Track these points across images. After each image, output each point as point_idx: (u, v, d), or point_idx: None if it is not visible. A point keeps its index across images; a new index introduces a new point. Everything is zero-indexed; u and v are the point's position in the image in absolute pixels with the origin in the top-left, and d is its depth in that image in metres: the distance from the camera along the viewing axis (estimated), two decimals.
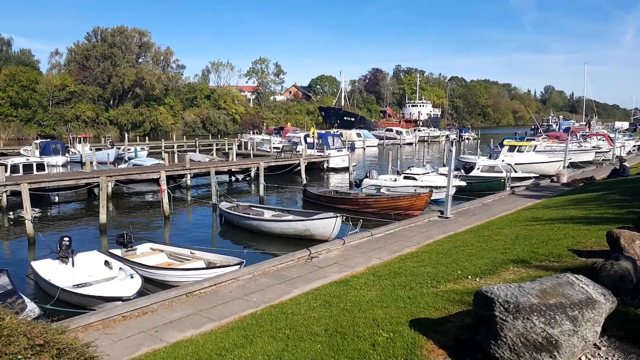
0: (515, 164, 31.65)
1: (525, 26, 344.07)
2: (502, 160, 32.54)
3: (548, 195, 20.86)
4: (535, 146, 37.93)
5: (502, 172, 28.23)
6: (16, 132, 72.42)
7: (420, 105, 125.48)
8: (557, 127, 79.36)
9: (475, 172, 29.46)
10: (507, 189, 24.32)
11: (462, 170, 29.75)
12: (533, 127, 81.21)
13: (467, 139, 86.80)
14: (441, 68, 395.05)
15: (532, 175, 29.03)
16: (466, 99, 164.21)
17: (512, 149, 36.14)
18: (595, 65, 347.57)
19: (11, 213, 22.57)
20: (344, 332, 5.97)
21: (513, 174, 27.48)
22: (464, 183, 25.47)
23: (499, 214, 16.99)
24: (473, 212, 17.72)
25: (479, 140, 62.94)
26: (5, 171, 24.34)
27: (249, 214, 19.32)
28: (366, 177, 26.65)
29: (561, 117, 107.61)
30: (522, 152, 35.67)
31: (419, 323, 5.81)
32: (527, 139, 44.34)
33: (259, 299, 9.13)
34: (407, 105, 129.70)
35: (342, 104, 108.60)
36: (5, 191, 22.56)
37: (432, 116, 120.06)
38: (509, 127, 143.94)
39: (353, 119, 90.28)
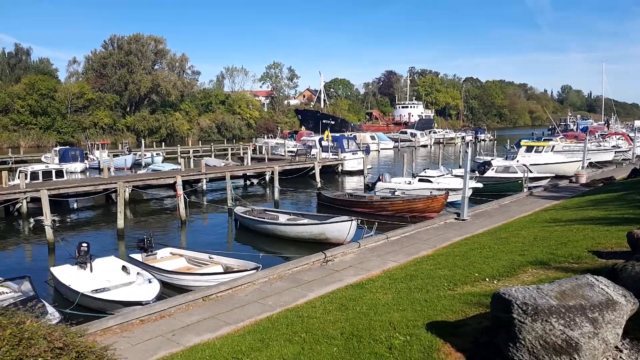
0: (533, 164, 31.23)
1: (541, 26, 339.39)
2: (517, 161, 32.15)
3: (567, 196, 20.57)
4: (554, 146, 37.42)
5: (517, 172, 27.90)
6: (36, 139, 73.69)
7: (410, 107, 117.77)
8: (575, 126, 78.23)
9: (490, 173, 29.14)
10: (525, 190, 24.03)
11: (477, 172, 29.41)
12: (550, 127, 80.00)
13: (483, 140, 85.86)
14: (456, 69, 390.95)
15: (547, 175, 28.64)
16: (482, 100, 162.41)
17: (529, 149, 35.64)
18: (613, 64, 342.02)
19: (31, 219, 22.97)
20: (360, 335, 5.95)
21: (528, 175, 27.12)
22: (480, 185, 25.14)
23: (517, 215, 16.80)
24: (490, 214, 17.55)
25: (495, 142, 62.34)
26: (25, 178, 24.76)
27: (264, 218, 19.34)
28: (379, 180, 26.51)
29: (579, 116, 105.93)
30: (540, 152, 35.17)
31: (436, 326, 5.77)
32: (545, 139, 43.79)
33: (275, 302, 9.15)
34: (397, 106, 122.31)
35: (322, 106, 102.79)
36: (26, 198, 22.97)
37: (423, 117, 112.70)
38: (525, 128, 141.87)
39: (333, 122, 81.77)
